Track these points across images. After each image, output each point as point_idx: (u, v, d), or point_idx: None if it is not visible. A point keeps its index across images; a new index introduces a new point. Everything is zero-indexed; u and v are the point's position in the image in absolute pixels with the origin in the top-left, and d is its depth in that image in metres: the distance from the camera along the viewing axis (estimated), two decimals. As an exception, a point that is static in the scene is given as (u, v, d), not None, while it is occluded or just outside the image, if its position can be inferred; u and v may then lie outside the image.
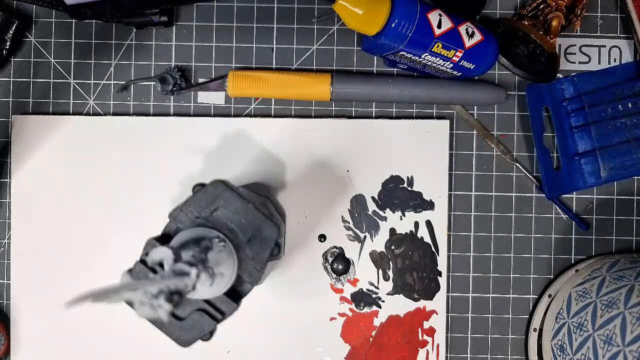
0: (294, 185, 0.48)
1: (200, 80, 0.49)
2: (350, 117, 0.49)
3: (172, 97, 0.49)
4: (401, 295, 0.48)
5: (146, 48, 0.49)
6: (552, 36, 0.46)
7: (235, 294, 0.35)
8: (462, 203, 0.49)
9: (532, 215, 0.49)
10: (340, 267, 0.48)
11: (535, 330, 0.47)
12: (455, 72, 0.46)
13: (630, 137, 0.48)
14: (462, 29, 0.44)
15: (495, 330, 0.49)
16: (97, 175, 0.48)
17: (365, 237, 0.48)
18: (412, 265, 0.48)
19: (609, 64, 0.49)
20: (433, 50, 0.43)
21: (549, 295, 0.47)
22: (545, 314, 0.47)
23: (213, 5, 0.49)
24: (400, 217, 0.48)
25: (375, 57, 0.49)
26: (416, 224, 0.48)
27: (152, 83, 0.49)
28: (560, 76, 0.49)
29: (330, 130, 0.48)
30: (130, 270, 0.34)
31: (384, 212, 0.48)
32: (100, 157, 0.48)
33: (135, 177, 0.48)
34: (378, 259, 0.48)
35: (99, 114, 0.49)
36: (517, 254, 0.49)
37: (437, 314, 0.48)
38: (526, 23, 0.47)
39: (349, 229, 0.48)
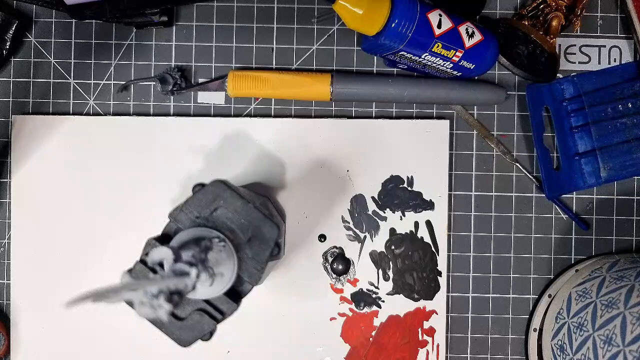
0: (294, 185, 0.48)
1: (200, 80, 0.49)
2: (350, 117, 0.49)
3: (172, 97, 0.49)
4: (401, 295, 0.48)
5: (146, 48, 0.49)
6: (552, 36, 0.46)
7: (235, 294, 0.35)
8: (462, 203, 0.49)
9: (532, 215, 0.49)
10: (340, 267, 0.48)
11: (535, 330, 0.47)
12: (455, 72, 0.46)
13: (630, 137, 0.48)
14: (462, 29, 0.44)
15: (495, 330, 0.49)
16: (97, 175, 0.48)
17: (365, 237, 0.48)
18: (412, 265, 0.48)
19: (609, 64, 0.49)
20: (433, 50, 0.43)
21: (549, 295, 0.47)
22: (545, 314, 0.47)
23: (213, 5, 0.49)
24: (400, 217, 0.48)
25: (375, 57, 0.49)
26: (416, 224, 0.48)
27: (152, 83, 0.49)
28: (560, 76, 0.49)
29: (330, 130, 0.48)
30: (130, 270, 0.34)
31: (384, 212, 0.48)
32: (100, 157, 0.48)
33: (135, 177, 0.48)
34: (378, 259, 0.48)
35: (99, 114, 0.49)
36: (517, 254, 0.49)
37: (437, 314, 0.48)
38: (526, 23, 0.47)
39: (349, 229, 0.48)
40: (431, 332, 0.48)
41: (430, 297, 0.48)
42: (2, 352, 0.47)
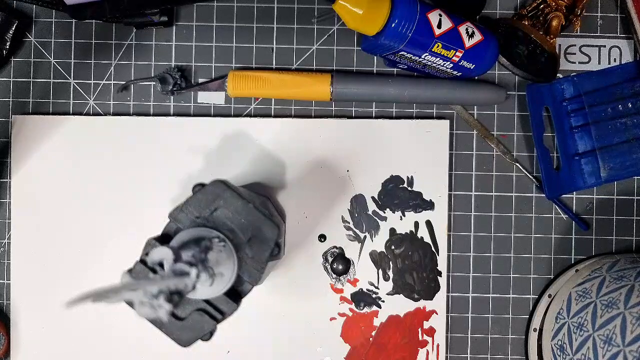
0: (294, 185, 0.48)
1: (200, 80, 0.49)
2: (350, 117, 0.49)
3: (172, 97, 0.49)
4: (401, 295, 0.48)
5: (146, 48, 0.49)
6: (552, 36, 0.46)
7: (235, 294, 0.35)
8: (462, 203, 0.49)
9: (532, 215, 0.49)
10: (340, 267, 0.48)
11: (535, 330, 0.47)
12: (455, 72, 0.46)
13: (630, 137, 0.48)
14: (462, 29, 0.44)
15: (495, 330, 0.49)
16: (97, 175, 0.48)
17: (365, 237, 0.48)
18: (412, 265, 0.48)
19: (609, 64, 0.49)
20: (433, 50, 0.43)
21: (549, 295, 0.47)
22: (545, 314, 0.47)
23: (213, 5, 0.49)
24: (400, 217, 0.48)
25: (375, 57, 0.49)
26: (416, 224, 0.48)
27: (152, 83, 0.49)
28: (560, 76, 0.49)
29: (330, 130, 0.48)
30: (130, 270, 0.34)
31: (384, 212, 0.48)
32: (100, 157, 0.48)
33: (135, 177, 0.48)
34: (378, 259, 0.48)
35: (99, 114, 0.49)
36: (517, 254, 0.49)
37: (437, 314, 0.48)
38: (526, 23, 0.47)
39: (349, 229, 0.48)
40: (431, 332, 0.48)
41: (430, 297, 0.48)
42: (2, 352, 0.47)
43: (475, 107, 0.49)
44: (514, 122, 0.49)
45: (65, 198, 0.48)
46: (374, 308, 0.48)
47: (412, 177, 0.48)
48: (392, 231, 0.48)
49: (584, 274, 0.45)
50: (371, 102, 0.49)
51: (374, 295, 0.48)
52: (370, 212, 0.48)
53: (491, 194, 0.49)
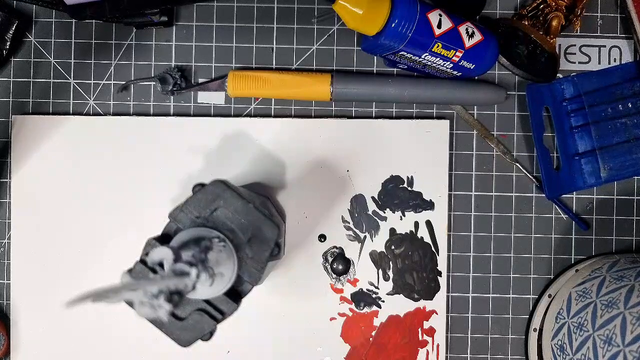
0: (294, 185, 0.48)
1: (200, 80, 0.49)
2: (350, 117, 0.49)
3: (172, 97, 0.49)
4: (401, 295, 0.48)
5: (146, 48, 0.49)
6: (552, 36, 0.46)
7: (235, 294, 0.35)
8: (462, 203, 0.49)
9: (532, 215, 0.49)
10: (340, 267, 0.48)
11: (535, 330, 0.47)
12: (455, 72, 0.46)
13: (630, 137, 0.48)
14: (462, 29, 0.44)
15: (495, 330, 0.49)
16: (97, 175, 0.48)
17: (365, 237, 0.48)
18: (412, 265, 0.48)
19: (609, 64, 0.49)
20: (433, 50, 0.43)
21: (549, 295, 0.47)
22: (545, 314, 0.47)
23: (213, 5, 0.49)
24: (400, 217, 0.48)
25: (375, 57, 0.49)
26: (416, 224, 0.48)
27: (152, 83, 0.49)
28: (560, 76, 0.49)
29: (330, 130, 0.48)
30: (130, 270, 0.34)
31: (384, 212, 0.48)
32: (100, 157, 0.48)
33: (135, 177, 0.48)
34: (378, 259, 0.48)
35: (99, 114, 0.49)
36: (517, 254, 0.49)
37: (437, 314, 0.48)
38: (526, 23, 0.47)
39: (349, 229, 0.48)
40: (431, 332, 0.48)
41: (430, 297, 0.48)
42: (2, 352, 0.47)
43: (475, 107, 0.49)
44: (514, 122, 0.49)
45: (65, 198, 0.48)
46: (374, 308, 0.48)
47: (412, 177, 0.48)
48: (392, 231, 0.48)
49: (584, 274, 0.45)
50: (371, 102, 0.49)
51: (374, 295, 0.48)
52: (370, 212, 0.48)
53: (491, 194, 0.49)
